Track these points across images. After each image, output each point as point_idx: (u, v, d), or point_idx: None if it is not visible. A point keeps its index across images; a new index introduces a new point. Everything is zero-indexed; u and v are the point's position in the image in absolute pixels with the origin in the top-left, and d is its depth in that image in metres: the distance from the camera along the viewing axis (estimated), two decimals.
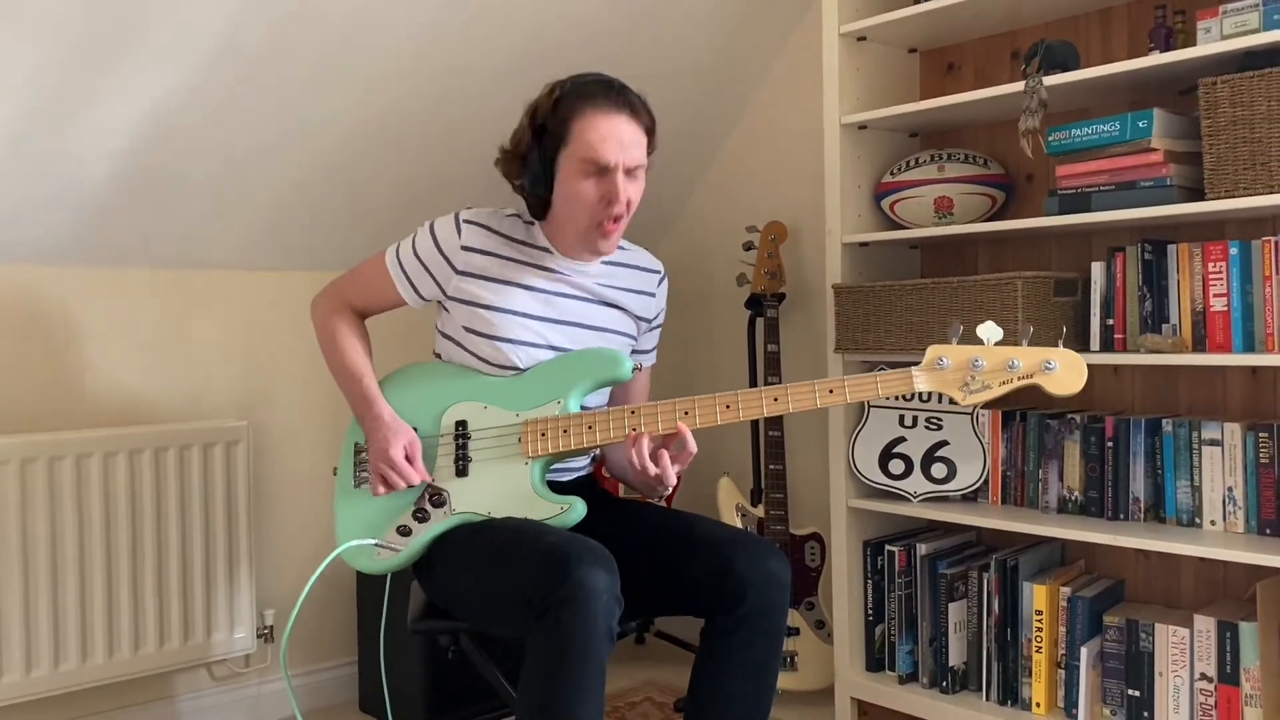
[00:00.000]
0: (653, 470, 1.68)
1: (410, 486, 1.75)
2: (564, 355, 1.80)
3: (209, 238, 2.44)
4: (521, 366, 1.79)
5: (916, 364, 1.68)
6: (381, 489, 1.76)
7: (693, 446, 1.69)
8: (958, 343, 1.69)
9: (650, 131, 1.79)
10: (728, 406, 1.70)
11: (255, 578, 2.49)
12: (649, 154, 1.79)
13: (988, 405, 2.34)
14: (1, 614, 2.15)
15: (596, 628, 1.48)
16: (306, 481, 2.66)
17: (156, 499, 2.33)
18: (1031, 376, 1.64)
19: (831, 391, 1.68)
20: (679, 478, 1.76)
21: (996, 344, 1.66)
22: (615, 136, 1.72)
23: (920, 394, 2.39)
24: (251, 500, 2.47)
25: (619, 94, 1.75)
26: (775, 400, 1.69)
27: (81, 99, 2.04)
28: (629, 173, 1.74)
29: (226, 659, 2.50)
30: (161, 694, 2.46)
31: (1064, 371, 1.64)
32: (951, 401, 2.35)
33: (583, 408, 1.78)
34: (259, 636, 2.53)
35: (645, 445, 1.68)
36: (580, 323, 1.84)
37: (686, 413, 1.69)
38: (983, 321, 1.68)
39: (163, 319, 2.45)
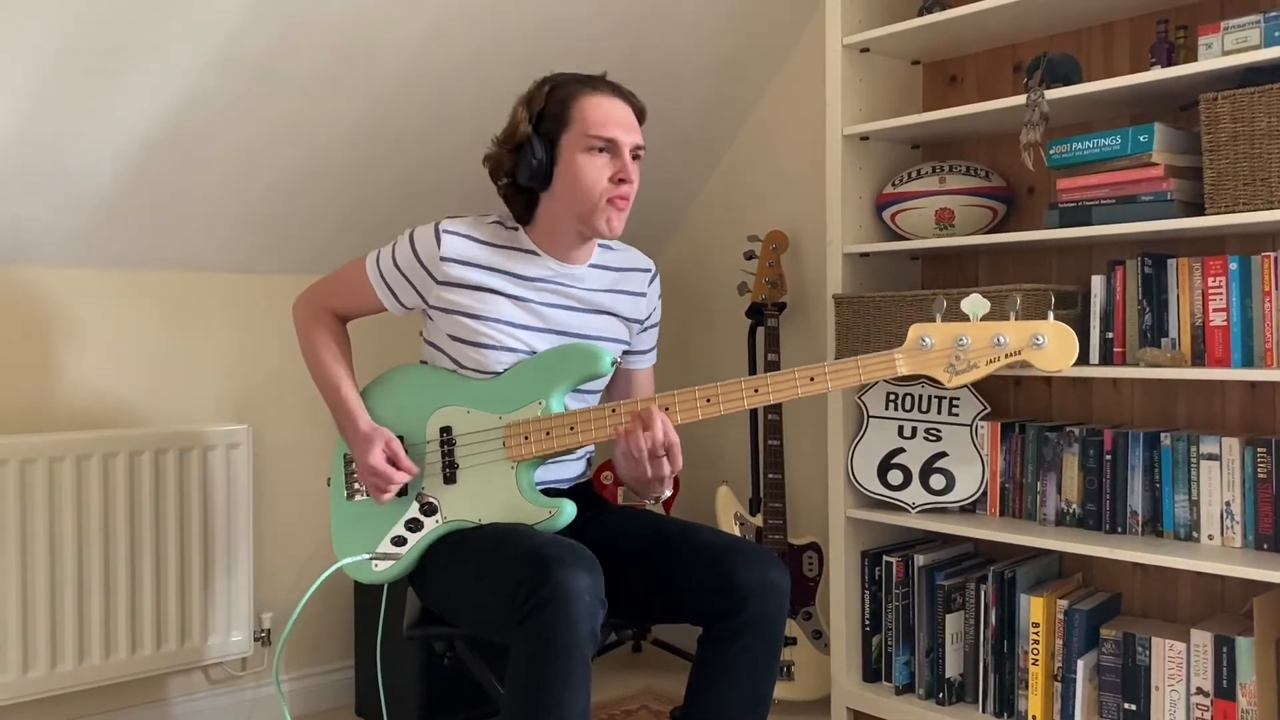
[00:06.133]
0: (661, 446, 1.63)
1: (403, 484, 1.75)
2: (542, 354, 1.78)
3: (210, 241, 2.45)
4: (499, 373, 1.78)
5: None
6: (384, 497, 1.75)
7: (673, 436, 1.66)
8: (942, 319, 1.61)
9: (642, 120, 1.81)
10: (708, 400, 1.67)
11: (254, 581, 2.49)
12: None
13: (981, 406, 2.34)
14: None
15: (579, 629, 1.48)
16: (306, 485, 2.66)
17: (155, 501, 2.33)
18: (1020, 353, 1.56)
19: (812, 379, 1.64)
20: (677, 484, 1.75)
21: (983, 319, 1.58)
22: (618, 116, 1.75)
23: (912, 391, 2.39)
24: (251, 503, 2.47)
25: (610, 84, 1.79)
26: (755, 391, 1.66)
27: (85, 101, 2.04)
28: (633, 154, 1.77)
29: (223, 662, 2.50)
30: (157, 696, 2.46)
31: (1054, 346, 1.56)
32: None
33: (565, 407, 1.77)
34: (256, 640, 2.53)
35: (656, 426, 1.63)
36: (568, 331, 1.82)
37: (667, 408, 1.67)
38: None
39: (164, 321, 2.46)
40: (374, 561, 1.77)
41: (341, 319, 1.92)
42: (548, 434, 1.71)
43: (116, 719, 2.39)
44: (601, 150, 1.74)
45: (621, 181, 1.75)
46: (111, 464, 2.27)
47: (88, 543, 2.24)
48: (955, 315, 1.64)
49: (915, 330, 1.62)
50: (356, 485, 1.82)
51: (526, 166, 1.75)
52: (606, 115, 1.74)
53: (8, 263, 2.25)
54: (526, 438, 1.72)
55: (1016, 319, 1.59)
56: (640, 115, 1.81)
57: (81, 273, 2.34)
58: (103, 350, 2.38)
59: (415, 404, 1.81)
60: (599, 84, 1.78)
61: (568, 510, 1.70)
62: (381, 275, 1.82)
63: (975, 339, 1.59)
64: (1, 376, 2.26)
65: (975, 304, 1.57)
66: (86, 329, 2.36)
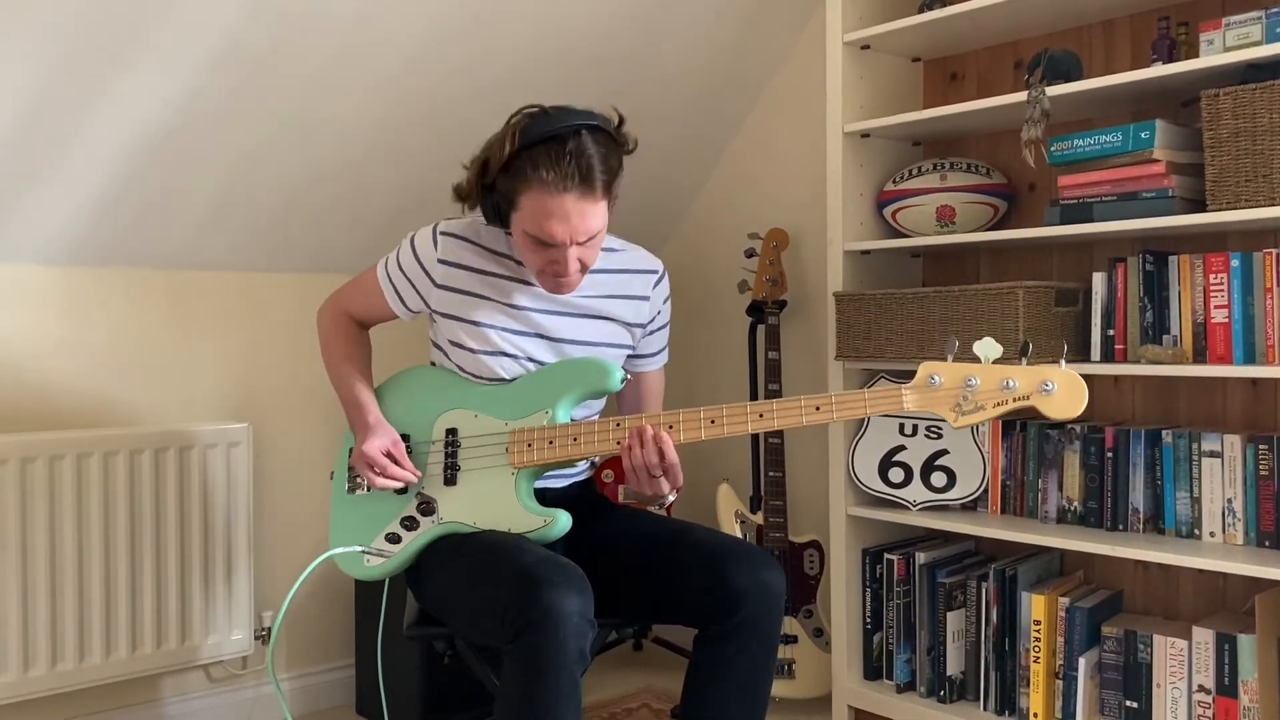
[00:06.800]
0: (655, 461, 1.64)
1: (403, 483, 1.75)
2: (555, 364, 1.78)
3: (211, 239, 2.44)
4: (507, 379, 1.78)
5: (914, 374, 1.64)
6: (379, 480, 1.75)
7: (673, 456, 1.65)
8: (953, 359, 1.61)
9: (609, 190, 1.66)
10: (712, 421, 1.67)
11: (254, 580, 2.49)
12: (611, 203, 1.68)
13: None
14: None
15: (567, 651, 1.48)
16: (306, 484, 2.66)
17: (156, 499, 2.33)
18: (1028, 398, 1.56)
19: (818, 409, 1.63)
20: (677, 490, 1.74)
21: (994, 362, 1.58)
22: (562, 217, 1.62)
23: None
24: (251, 502, 2.47)
25: (573, 160, 1.60)
26: (760, 417, 1.65)
27: (85, 100, 2.04)
28: (580, 243, 1.67)
29: (223, 660, 2.50)
30: (157, 695, 2.46)
31: (1063, 394, 1.55)
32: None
33: (572, 419, 1.77)
34: (257, 638, 2.53)
35: (651, 448, 1.64)
36: (566, 338, 1.81)
37: (671, 427, 1.67)
38: (983, 332, 1.61)
39: (164, 320, 2.45)
40: (367, 557, 1.78)
41: (361, 324, 1.93)
42: (551, 443, 1.72)
43: (117, 718, 2.39)
44: (542, 245, 1.66)
45: (559, 274, 1.69)
46: (112, 462, 2.27)
47: (88, 541, 2.24)
48: (966, 355, 1.64)
49: (925, 368, 1.61)
50: (357, 479, 1.83)
51: (486, 213, 1.73)
52: (549, 217, 1.62)
53: (7, 261, 2.25)
54: (530, 445, 1.73)
55: (1028, 364, 1.58)
56: (604, 191, 1.65)
57: (81, 271, 2.34)
58: (102, 349, 2.37)
59: (425, 404, 1.81)
60: (556, 170, 1.60)
61: (562, 521, 1.70)
62: (389, 279, 1.84)
63: (984, 381, 1.58)
64: (1, 375, 2.26)
65: (987, 347, 1.58)
66: (86, 327, 2.35)
